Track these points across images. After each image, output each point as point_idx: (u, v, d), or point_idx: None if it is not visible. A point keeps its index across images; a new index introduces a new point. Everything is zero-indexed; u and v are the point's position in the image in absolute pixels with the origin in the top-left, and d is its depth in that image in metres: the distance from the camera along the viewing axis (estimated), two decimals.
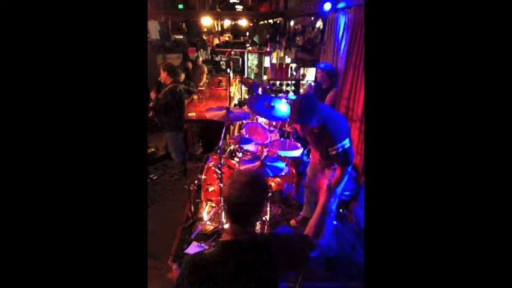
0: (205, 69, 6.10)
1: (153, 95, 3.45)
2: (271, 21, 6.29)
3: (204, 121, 4.09)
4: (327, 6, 3.66)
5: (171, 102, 3.37)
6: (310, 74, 4.88)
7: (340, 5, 3.47)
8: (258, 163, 2.36)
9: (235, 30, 9.71)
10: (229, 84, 4.19)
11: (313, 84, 4.04)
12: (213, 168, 2.93)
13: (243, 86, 5.45)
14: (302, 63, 5.03)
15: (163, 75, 3.40)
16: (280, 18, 6.53)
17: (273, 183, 3.13)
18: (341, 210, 3.03)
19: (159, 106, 3.37)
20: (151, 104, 3.45)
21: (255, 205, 1.08)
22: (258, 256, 1.06)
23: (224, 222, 2.87)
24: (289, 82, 4.64)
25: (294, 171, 3.15)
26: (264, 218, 2.75)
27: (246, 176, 1.09)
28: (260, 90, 3.63)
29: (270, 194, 3.04)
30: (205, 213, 3.07)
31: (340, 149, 2.00)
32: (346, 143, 2.02)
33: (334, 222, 2.89)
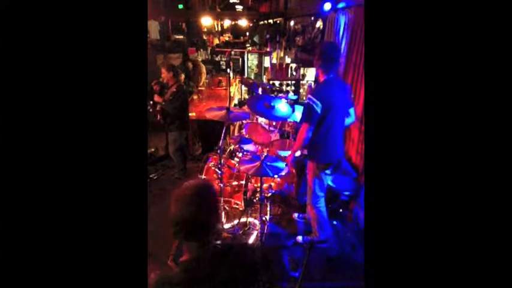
0: (204, 69, 6.09)
1: (157, 98, 3.37)
2: (271, 21, 6.29)
3: (204, 121, 4.09)
4: (327, 6, 3.66)
5: (180, 101, 3.35)
6: (310, 74, 4.88)
7: (340, 5, 3.47)
8: (258, 163, 2.36)
9: (235, 30, 9.69)
10: (229, 84, 4.20)
11: (313, 84, 4.03)
12: (213, 168, 2.93)
13: (243, 86, 5.45)
14: (302, 63, 5.02)
15: (167, 76, 3.36)
16: (280, 18, 6.53)
17: (273, 183, 3.13)
18: (341, 210, 3.04)
19: (171, 108, 3.31)
20: (158, 107, 3.39)
21: (203, 219, 1.03)
22: (218, 270, 1.01)
23: (224, 222, 2.87)
24: (289, 82, 4.63)
25: (294, 171, 3.16)
26: (263, 218, 2.75)
27: (188, 191, 1.04)
28: (260, 90, 3.63)
29: (270, 194, 3.05)
30: None
31: (307, 100, 2.21)
32: (314, 104, 2.14)
33: (334, 222, 2.90)
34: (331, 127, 2.25)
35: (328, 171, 2.42)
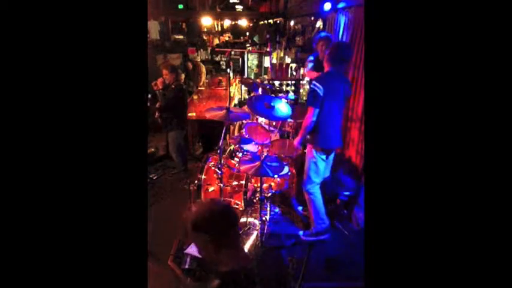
0: (204, 69, 6.09)
1: (158, 85, 3.45)
2: (271, 21, 6.29)
3: (204, 121, 4.09)
4: (327, 6, 3.65)
5: (178, 99, 3.40)
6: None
7: (340, 5, 3.46)
8: (258, 163, 2.36)
9: (235, 30, 9.70)
10: (229, 84, 4.19)
11: (311, 58, 3.50)
12: (213, 168, 2.92)
13: (243, 86, 5.45)
14: (302, 63, 5.02)
15: (169, 76, 3.39)
16: (280, 18, 6.54)
17: (273, 183, 3.13)
18: (341, 210, 3.03)
19: (166, 102, 3.39)
20: (158, 104, 3.45)
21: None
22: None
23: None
24: (289, 82, 4.63)
25: (294, 171, 3.16)
26: (263, 218, 2.76)
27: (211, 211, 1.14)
28: (260, 90, 3.63)
29: (270, 194, 3.04)
30: None
31: (311, 86, 2.41)
32: (317, 88, 2.33)
33: (334, 222, 2.90)
34: (330, 113, 2.41)
35: (324, 157, 2.55)
